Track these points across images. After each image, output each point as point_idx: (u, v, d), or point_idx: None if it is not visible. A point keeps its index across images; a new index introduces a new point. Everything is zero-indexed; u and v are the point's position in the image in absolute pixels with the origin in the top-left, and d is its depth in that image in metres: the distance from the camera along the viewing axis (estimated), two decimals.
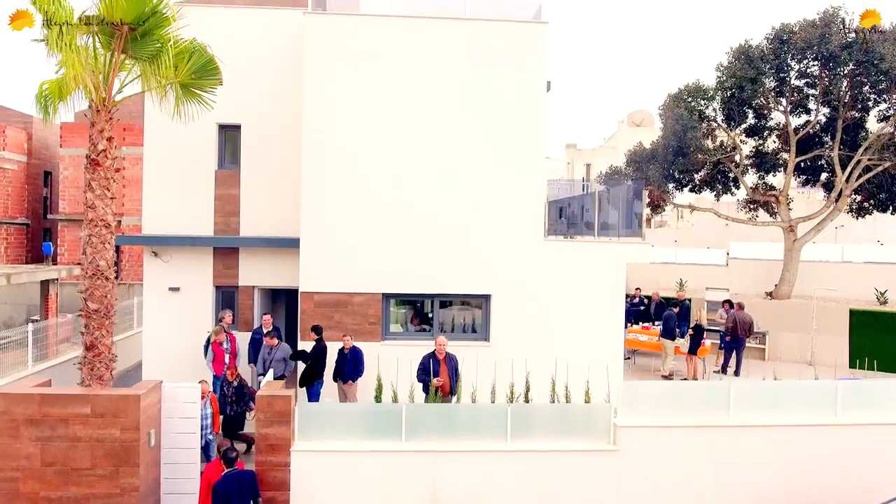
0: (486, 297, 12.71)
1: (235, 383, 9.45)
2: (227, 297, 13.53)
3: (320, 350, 11.14)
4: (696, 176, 21.34)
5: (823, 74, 18.37)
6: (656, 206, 22.04)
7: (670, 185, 21.44)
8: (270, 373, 10.54)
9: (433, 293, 12.67)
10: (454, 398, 9.98)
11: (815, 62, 18.40)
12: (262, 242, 13.06)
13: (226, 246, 13.15)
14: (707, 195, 22.42)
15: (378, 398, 9.86)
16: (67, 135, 28.08)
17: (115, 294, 9.70)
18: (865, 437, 9.30)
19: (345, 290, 12.44)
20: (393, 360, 12.04)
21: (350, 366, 10.99)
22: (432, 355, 10.18)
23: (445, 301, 12.95)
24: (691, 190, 21.91)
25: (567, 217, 17.65)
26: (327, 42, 12.39)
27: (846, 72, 17.82)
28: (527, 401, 9.69)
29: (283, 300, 14.95)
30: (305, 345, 12.04)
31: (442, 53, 12.52)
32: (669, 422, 9.12)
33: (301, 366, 11.78)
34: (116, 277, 10.02)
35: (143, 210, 13.31)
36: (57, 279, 21.84)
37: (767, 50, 18.93)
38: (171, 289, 13.16)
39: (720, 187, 21.54)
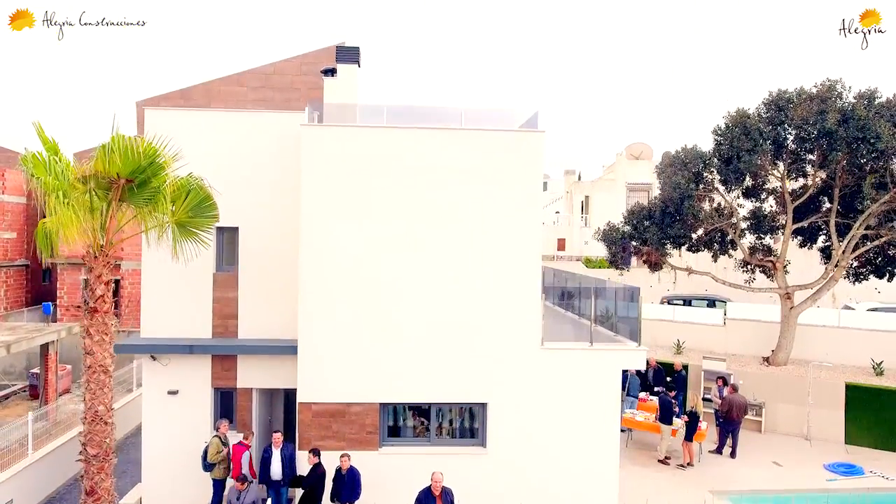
0: (483, 405, 12.79)
1: None
2: (225, 398, 13.59)
3: (318, 477, 11.21)
4: (693, 236, 21.37)
5: (821, 143, 18.32)
6: (654, 265, 22.06)
7: (667, 246, 21.45)
8: None
9: (430, 402, 12.76)
10: None
11: (812, 133, 18.36)
12: (260, 349, 13.10)
13: (223, 353, 13.20)
14: (705, 254, 22.47)
15: None
16: None
17: (114, 437, 9.78)
18: None
19: (342, 401, 12.53)
20: (391, 469, 12.26)
21: (347, 488, 11.07)
22: (428, 491, 10.25)
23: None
24: (689, 249, 21.95)
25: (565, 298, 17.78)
26: (324, 153, 12.41)
27: (843, 142, 17.77)
28: None
29: (282, 396, 15.01)
30: (301, 455, 12.15)
31: (439, 163, 12.53)
32: None
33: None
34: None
35: (142, 314, 13.36)
36: (56, 340, 21.92)
37: (764, 118, 18.94)
38: (169, 392, 13.23)
39: (717, 247, 21.59)
